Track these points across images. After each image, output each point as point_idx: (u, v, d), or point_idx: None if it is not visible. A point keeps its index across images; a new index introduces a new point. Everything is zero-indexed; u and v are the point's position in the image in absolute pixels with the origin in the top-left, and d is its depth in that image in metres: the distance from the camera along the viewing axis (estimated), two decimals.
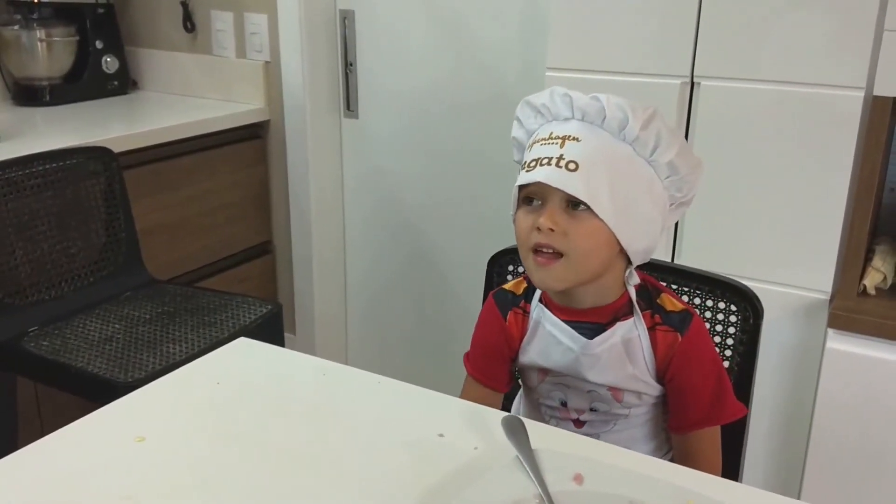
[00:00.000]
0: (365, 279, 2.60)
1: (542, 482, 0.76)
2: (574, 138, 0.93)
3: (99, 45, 2.51)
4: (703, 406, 1.02)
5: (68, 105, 2.45)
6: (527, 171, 0.95)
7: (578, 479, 0.77)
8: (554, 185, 0.91)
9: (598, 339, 1.00)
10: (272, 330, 1.87)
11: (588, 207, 0.91)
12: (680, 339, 1.00)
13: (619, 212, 0.92)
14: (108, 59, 2.53)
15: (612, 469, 0.80)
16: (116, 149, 1.98)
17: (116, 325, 1.81)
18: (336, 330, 2.67)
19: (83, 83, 2.50)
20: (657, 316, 1.01)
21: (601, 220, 0.92)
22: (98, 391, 1.57)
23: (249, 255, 2.56)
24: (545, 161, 0.93)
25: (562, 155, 0.92)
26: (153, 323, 1.82)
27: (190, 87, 2.61)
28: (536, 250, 0.94)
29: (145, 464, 0.85)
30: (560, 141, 0.93)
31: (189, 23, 2.54)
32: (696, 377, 1.01)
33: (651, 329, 1.01)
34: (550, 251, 0.93)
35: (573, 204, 0.92)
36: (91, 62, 2.50)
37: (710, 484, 0.83)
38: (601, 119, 0.93)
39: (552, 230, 0.92)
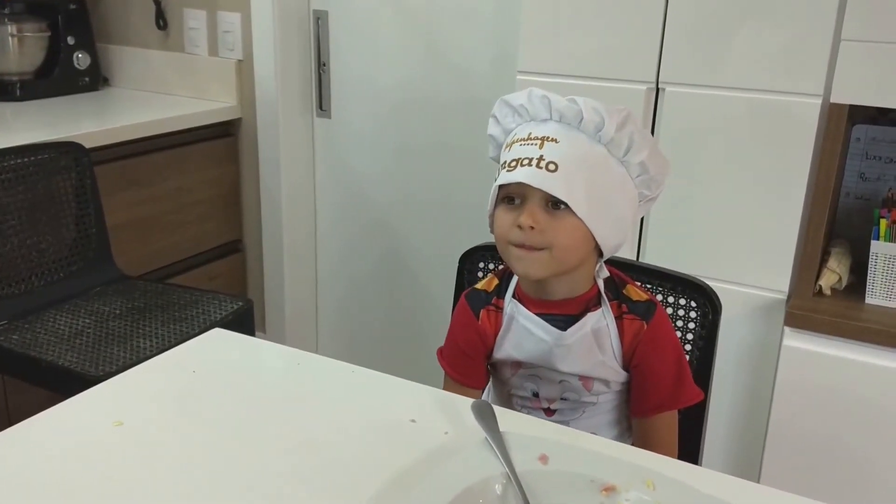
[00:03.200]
0: (335, 278, 2.62)
1: (509, 462, 0.80)
2: (553, 139, 0.96)
3: (70, 41, 2.50)
4: (664, 390, 1.06)
5: (39, 100, 2.44)
6: (507, 171, 0.98)
7: (543, 459, 0.81)
8: (535, 185, 0.95)
9: (570, 329, 1.04)
10: (243, 326, 1.88)
11: (567, 207, 0.95)
12: (645, 326, 1.04)
13: (594, 210, 0.97)
14: (80, 56, 2.53)
15: (575, 450, 0.83)
16: (87, 145, 1.98)
17: (87, 320, 1.81)
18: (306, 329, 2.68)
19: (54, 79, 2.50)
20: (624, 306, 1.06)
21: (579, 219, 0.96)
22: (69, 384, 1.57)
23: (219, 252, 2.56)
24: (525, 161, 0.96)
25: (542, 156, 0.95)
26: (124, 318, 1.82)
27: (162, 84, 2.61)
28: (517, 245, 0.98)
29: (124, 447, 0.87)
30: (539, 142, 0.97)
31: (161, 20, 2.55)
32: (659, 362, 1.06)
33: (618, 318, 1.05)
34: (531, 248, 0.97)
35: (553, 203, 0.96)
36: (62, 58, 2.49)
37: (670, 465, 0.86)
38: (578, 121, 0.97)
39: (532, 228, 0.96)
